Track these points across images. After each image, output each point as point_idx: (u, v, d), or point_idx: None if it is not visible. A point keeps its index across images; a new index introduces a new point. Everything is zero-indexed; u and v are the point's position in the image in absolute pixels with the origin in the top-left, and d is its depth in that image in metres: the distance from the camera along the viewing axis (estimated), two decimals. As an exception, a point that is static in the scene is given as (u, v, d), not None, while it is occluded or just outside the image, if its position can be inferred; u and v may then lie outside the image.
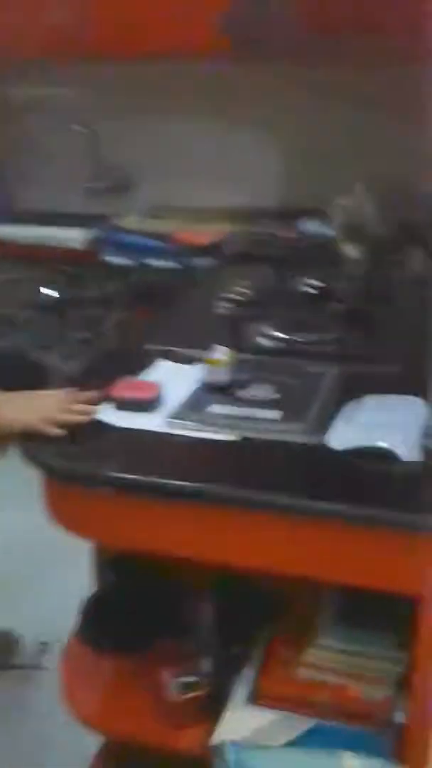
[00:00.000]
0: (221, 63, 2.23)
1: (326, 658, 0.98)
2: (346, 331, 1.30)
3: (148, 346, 1.24)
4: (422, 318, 1.51)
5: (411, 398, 0.99)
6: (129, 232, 2.08)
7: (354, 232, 1.88)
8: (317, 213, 2.19)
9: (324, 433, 0.92)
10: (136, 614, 1.14)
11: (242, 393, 1.04)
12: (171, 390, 1.04)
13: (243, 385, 1.06)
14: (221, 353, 1.06)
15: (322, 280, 1.68)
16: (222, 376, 1.05)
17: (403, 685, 0.94)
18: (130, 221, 2.16)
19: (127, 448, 0.95)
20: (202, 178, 2.37)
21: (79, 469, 0.92)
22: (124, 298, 2.01)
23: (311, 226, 2.16)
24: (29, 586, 1.83)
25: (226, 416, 0.97)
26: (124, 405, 1.00)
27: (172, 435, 0.95)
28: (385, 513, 0.80)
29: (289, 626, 1.05)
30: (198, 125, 2.39)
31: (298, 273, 1.71)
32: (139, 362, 1.17)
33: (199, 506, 0.86)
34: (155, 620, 1.13)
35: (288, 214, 2.24)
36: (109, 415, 0.99)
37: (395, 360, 1.19)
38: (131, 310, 2.01)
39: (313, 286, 1.66)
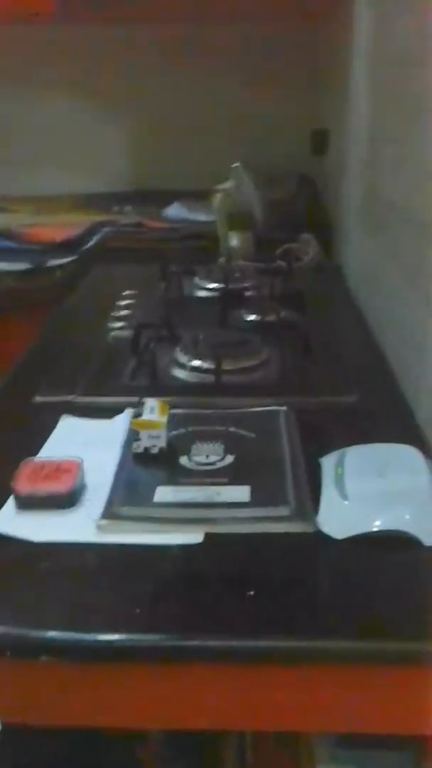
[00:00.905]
0: (51, 25, 1.90)
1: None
2: (273, 349, 1.08)
3: (40, 398, 0.94)
4: (349, 325, 1.35)
5: (403, 447, 0.78)
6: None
7: (235, 218, 1.66)
8: (184, 197, 1.94)
9: (311, 515, 0.69)
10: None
11: (187, 461, 0.78)
12: (90, 467, 0.76)
13: (184, 448, 0.81)
14: (151, 409, 0.80)
15: (216, 279, 1.44)
16: (158, 442, 0.79)
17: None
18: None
19: (35, 577, 0.64)
20: (44, 162, 2.03)
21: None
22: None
23: (178, 213, 1.90)
24: None
25: (181, 505, 0.70)
26: (31, 503, 0.70)
27: (103, 546, 0.66)
28: None
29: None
30: (34, 99, 2.05)
31: (183, 272, 1.46)
32: (33, 425, 0.88)
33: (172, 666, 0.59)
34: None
35: (149, 200, 1.97)
36: (7, 521, 0.70)
37: (345, 384, 0.99)
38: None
39: (209, 289, 1.42)
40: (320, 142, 1.88)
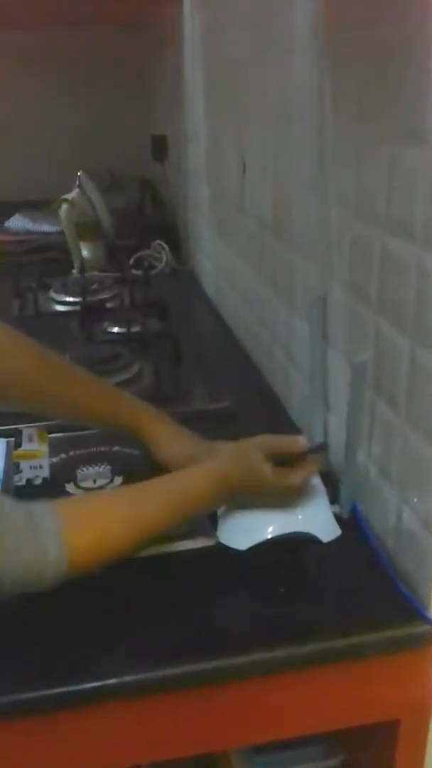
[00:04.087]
0: None
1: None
2: (144, 360, 1.07)
3: None
4: (212, 330, 1.36)
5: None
6: None
7: (83, 227, 1.63)
8: (25, 208, 1.88)
9: (210, 529, 0.69)
10: None
11: (73, 488, 0.75)
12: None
13: (69, 474, 0.78)
14: (29, 437, 0.76)
15: (72, 292, 1.41)
16: (40, 472, 0.75)
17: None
18: None
19: None
20: None
21: None
22: None
23: (22, 224, 1.84)
24: None
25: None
26: None
27: None
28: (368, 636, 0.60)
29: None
30: None
31: (37, 286, 1.42)
32: None
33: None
34: None
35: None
36: None
37: (218, 390, 1.00)
38: None
39: (67, 303, 1.39)
40: (160, 146, 1.88)
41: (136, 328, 1.19)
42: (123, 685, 0.55)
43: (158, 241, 1.65)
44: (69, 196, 1.61)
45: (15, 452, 0.75)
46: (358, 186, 0.67)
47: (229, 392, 0.98)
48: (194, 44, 1.41)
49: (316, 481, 0.73)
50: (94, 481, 0.77)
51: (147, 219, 1.83)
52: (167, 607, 0.62)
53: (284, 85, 0.86)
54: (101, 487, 0.76)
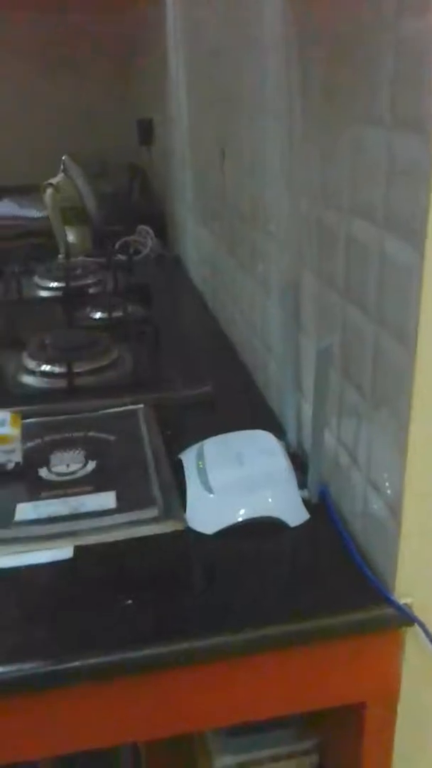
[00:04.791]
0: None
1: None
2: (124, 346, 1.07)
3: None
4: (195, 316, 1.36)
5: (258, 433, 0.81)
6: None
7: (70, 212, 1.62)
8: (12, 193, 1.87)
9: (180, 513, 0.69)
10: None
11: (46, 473, 0.76)
12: None
13: (42, 459, 0.78)
14: (2, 421, 0.76)
15: (56, 278, 1.40)
16: (12, 456, 0.75)
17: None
18: None
19: None
20: None
21: None
22: None
23: (8, 210, 1.83)
24: None
25: (45, 521, 0.68)
26: None
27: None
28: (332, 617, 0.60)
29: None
30: None
31: (22, 272, 1.41)
32: None
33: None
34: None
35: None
36: None
37: (197, 377, 1.00)
38: None
39: (50, 288, 1.38)
40: (146, 131, 1.87)
41: (117, 314, 1.18)
42: (87, 667, 0.56)
43: (143, 227, 1.65)
44: (54, 180, 1.60)
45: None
46: (324, 173, 0.67)
47: (208, 379, 0.98)
48: (176, 29, 1.40)
49: (285, 466, 0.74)
50: (67, 465, 0.77)
51: (135, 205, 1.82)
52: (132, 590, 0.62)
53: (256, 74, 0.85)
54: (73, 473, 0.76)
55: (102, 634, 0.58)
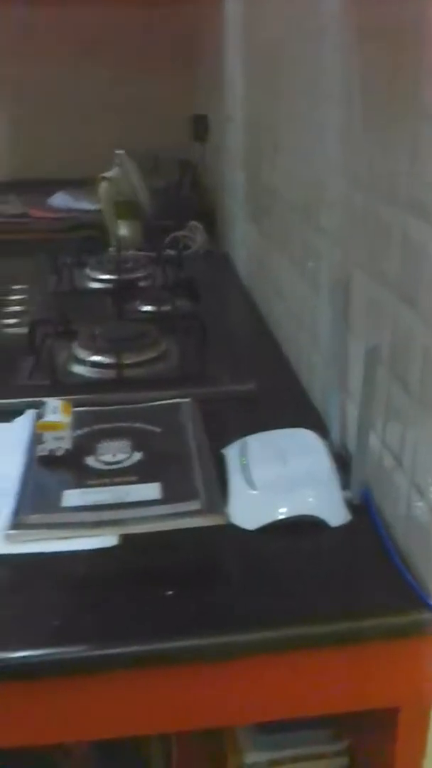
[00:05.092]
0: None
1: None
2: (171, 340, 1.08)
3: None
4: (241, 312, 1.37)
5: (301, 431, 0.81)
6: None
7: (122, 206, 1.64)
8: (68, 186, 1.90)
9: (222, 508, 0.70)
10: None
11: (93, 461, 0.78)
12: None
13: (90, 448, 0.80)
14: (54, 409, 0.78)
15: (107, 270, 1.42)
16: (62, 443, 0.77)
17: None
18: None
19: None
20: None
21: None
22: None
23: (64, 202, 1.86)
24: None
25: (91, 508, 0.69)
26: None
27: (13, 557, 0.65)
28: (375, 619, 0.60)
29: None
30: None
31: (73, 262, 1.44)
32: None
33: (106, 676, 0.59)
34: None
35: (31, 189, 1.91)
36: None
37: (242, 373, 1.01)
38: None
39: (101, 281, 1.40)
40: (201, 127, 1.88)
41: (166, 308, 1.20)
42: (124, 655, 0.57)
43: (194, 222, 1.66)
44: (108, 174, 1.62)
45: (39, 423, 0.77)
46: (381, 166, 0.67)
47: (253, 376, 0.99)
48: (235, 24, 1.41)
49: (329, 465, 0.74)
50: (114, 455, 0.78)
51: (185, 200, 1.83)
52: (173, 582, 0.63)
53: (315, 65, 0.85)
54: (119, 462, 0.77)
55: (142, 623, 0.59)
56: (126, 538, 0.67)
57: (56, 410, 0.78)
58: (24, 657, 0.56)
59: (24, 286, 1.32)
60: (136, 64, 2.01)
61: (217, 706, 0.63)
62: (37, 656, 0.56)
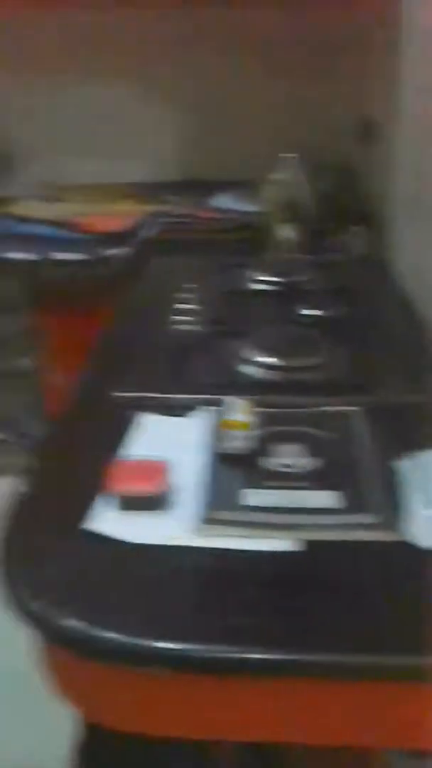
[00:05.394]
0: (101, 12, 1.90)
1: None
2: (337, 345, 1.08)
3: (117, 393, 0.96)
4: (404, 320, 1.35)
5: None
6: (23, 219, 1.72)
7: (289, 209, 1.66)
8: (230, 187, 1.94)
9: (399, 523, 0.70)
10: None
11: (270, 463, 0.80)
12: (175, 467, 0.77)
13: (266, 449, 0.82)
14: (238, 409, 0.81)
15: (269, 272, 1.45)
16: (242, 443, 0.80)
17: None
18: (22, 207, 1.79)
19: (150, 582, 0.65)
20: (93, 151, 2.03)
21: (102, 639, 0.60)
22: (23, 303, 1.65)
23: (227, 203, 1.90)
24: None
25: (270, 509, 0.72)
26: (127, 504, 0.72)
27: (198, 550, 0.68)
28: None
29: None
30: (80, 85, 2.04)
31: (237, 263, 1.47)
32: (114, 422, 0.89)
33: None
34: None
35: (196, 190, 1.97)
36: (108, 521, 0.71)
37: (413, 383, 0.99)
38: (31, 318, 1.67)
39: (264, 282, 1.43)
40: (368, 131, 1.86)
41: (329, 313, 1.20)
42: (317, 663, 0.58)
43: (356, 227, 1.65)
44: (274, 176, 1.64)
45: (223, 420, 0.80)
46: None
47: (425, 387, 0.97)
48: (411, 27, 1.38)
49: None
50: (289, 459, 0.80)
51: (347, 205, 1.82)
52: (347, 595, 0.64)
53: None
54: (295, 466, 0.79)
55: (309, 632, 0.60)
56: (302, 544, 0.68)
57: (238, 409, 0.80)
58: (209, 650, 0.59)
59: (193, 285, 1.37)
60: (296, 67, 2.02)
61: (373, 725, 0.63)
62: (220, 651, 0.59)
